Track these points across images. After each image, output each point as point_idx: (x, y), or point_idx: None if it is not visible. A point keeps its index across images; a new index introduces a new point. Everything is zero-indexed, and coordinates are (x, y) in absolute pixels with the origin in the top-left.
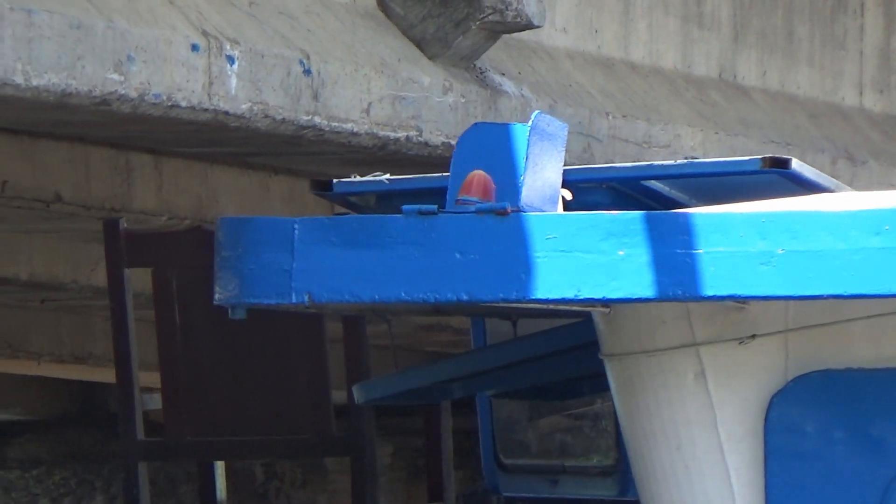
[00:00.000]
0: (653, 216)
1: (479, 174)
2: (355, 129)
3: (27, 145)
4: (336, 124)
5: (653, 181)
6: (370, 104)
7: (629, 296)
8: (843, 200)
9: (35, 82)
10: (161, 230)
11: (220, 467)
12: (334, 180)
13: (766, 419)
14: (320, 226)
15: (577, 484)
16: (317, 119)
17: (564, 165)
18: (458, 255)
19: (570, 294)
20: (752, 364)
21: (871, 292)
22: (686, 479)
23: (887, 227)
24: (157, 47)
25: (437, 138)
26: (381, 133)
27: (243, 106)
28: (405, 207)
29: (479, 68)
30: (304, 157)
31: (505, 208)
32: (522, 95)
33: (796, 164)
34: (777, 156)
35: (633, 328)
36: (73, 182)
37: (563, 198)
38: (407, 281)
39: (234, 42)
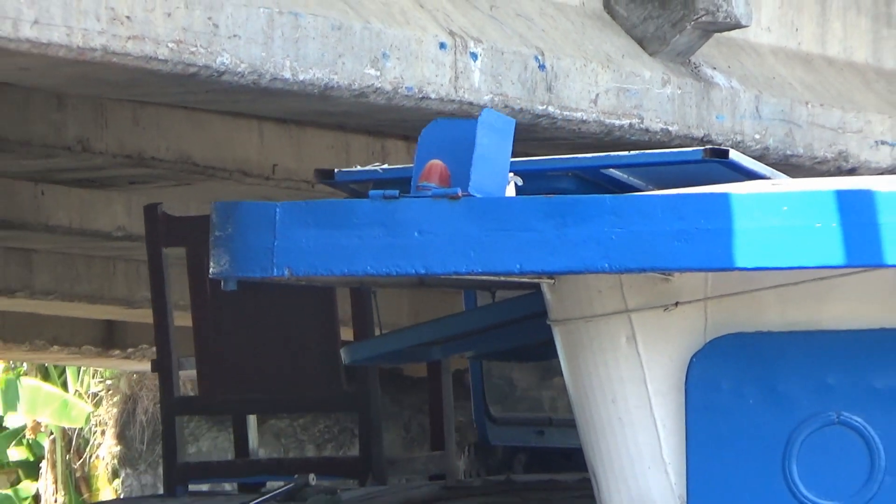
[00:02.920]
0: (585, 199)
1: (436, 163)
2: (584, 118)
3: (294, 133)
4: (567, 113)
5: (612, 169)
6: (597, 95)
7: (563, 269)
8: (757, 186)
9: (301, 77)
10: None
11: (252, 421)
12: (336, 170)
13: (688, 376)
14: (298, 209)
15: (563, 435)
16: (550, 108)
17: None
18: (416, 235)
19: (513, 268)
20: (676, 328)
21: (774, 265)
22: (620, 429)
23: (786, 209)
24: (409, 46)
25: (656, 125)
26: (608, 121)
27: (485, 97)
28: (371, 192)
29: (694, 63)
30: (539, 143)
31: (457, 193)
32: (732, 87)
33: (734, 155)
34: (716, 147)
35: (574, 297)
36: (335, 166)
37: (514, 183)
38: (372, 257)
39: (477, 41)
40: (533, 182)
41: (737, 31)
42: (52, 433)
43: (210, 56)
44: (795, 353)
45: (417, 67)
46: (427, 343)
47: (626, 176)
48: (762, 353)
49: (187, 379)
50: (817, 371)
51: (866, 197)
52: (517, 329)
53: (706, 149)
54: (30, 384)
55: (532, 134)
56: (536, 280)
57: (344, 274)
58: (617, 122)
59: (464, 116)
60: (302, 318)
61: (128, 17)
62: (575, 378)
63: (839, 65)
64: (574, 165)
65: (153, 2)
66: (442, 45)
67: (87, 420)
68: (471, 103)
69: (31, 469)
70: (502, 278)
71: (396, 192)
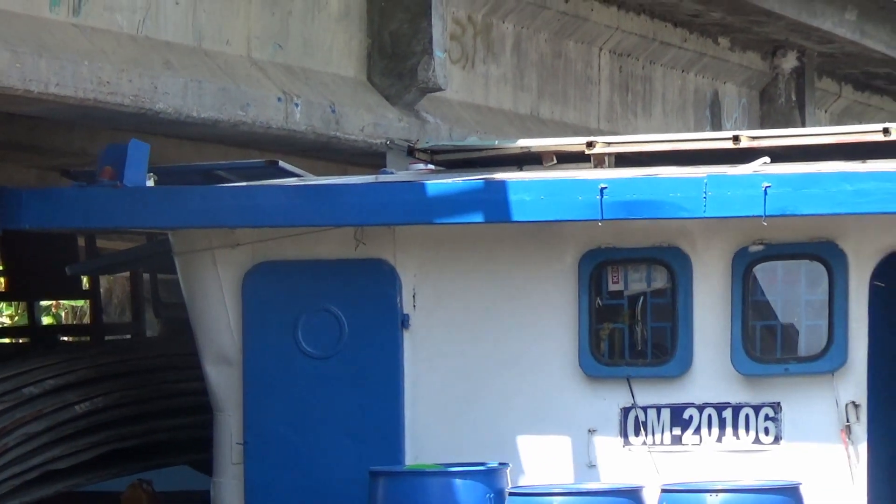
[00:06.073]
0: (184, 188)
1: (108, 168)
2: (356, 139)
3: (198, 146)
4: (347, 136)
5: (220, 171)
6: (364, 127)
7: (176, 225)
8: (289, 182)
9: (203, 115)
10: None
11: (38, 303)
12: (72, 170)
13: (243, 284)
14: (36, 192)
15: None
16: (338, 134)
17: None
18: (97, 205)
19: (147, 224)
20: (238, 258)
21: (288, 224)
22: (207, 311)
23: (299, 193)
24: (261, 99)
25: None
26: (370, 140)
27: (303, 127)
28: (74, 183)
29: (416, 109)
30: (332, 153)
31: (118, 184)
32: (437, 122)
33: (282, 164)
34: (272, 159)
35: (184, 241)
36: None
37: (153, 179)
38: (73, 218)
39: (298, 96)
40: (177, 177)
41: (439, 92)
42: None
43: (153, 103)
44: (301, 272)
45: (265, 111)
46: (118, 263)
47: (227, 174)
48: (283, 272)
49: None
50: (314, 281)
51: (376, 186)
52: (163, 256)
53: (267, 161)
54: None
55: (329, 147)
56: (167, 231)
57: (61, 227)
58: (374, 142)
59: (290, 138)
60: (60, 249)
61: (108, 82)
62: (185, 285)
63: (495, 111)
64: (199, 168)
65: (121, 73)
66: (279, 99)
67: None
68: (294, 130)
69: None
70: (147, 229)
71: (86, 183)
